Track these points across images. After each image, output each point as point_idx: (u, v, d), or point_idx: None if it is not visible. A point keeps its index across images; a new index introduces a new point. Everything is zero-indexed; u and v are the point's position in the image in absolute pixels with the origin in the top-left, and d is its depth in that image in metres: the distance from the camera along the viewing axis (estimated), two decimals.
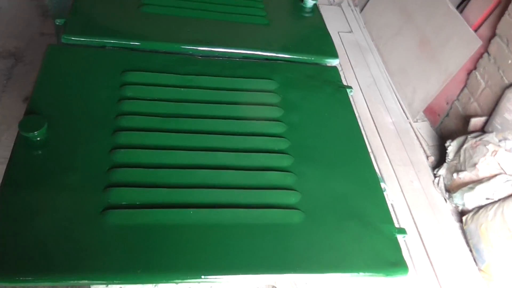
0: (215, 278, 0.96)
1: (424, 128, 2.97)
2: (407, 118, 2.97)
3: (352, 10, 3.79)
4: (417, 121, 2.99)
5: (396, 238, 1.10)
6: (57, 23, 1.43)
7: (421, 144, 2.84)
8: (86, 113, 1.18)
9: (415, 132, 2.90)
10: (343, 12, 3.77)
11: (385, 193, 1.22)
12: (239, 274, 0.97)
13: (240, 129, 1.24)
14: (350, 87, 1.46)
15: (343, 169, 1.22)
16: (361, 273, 1.02)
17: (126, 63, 1.34)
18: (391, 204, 2.38)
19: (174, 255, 0.96)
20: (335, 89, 1.44)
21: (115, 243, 0.96)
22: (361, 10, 3.80)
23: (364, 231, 1.09)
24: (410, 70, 3.08)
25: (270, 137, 1.24)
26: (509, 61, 2.31)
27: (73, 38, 1.37)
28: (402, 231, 1.12)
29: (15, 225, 0.94)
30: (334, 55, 1.57)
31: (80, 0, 1.51)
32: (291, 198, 1.12)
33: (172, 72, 1.34)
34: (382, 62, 3.35)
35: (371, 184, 1.20)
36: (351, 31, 3.59)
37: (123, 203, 1.02)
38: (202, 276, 0.95)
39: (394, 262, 1.05)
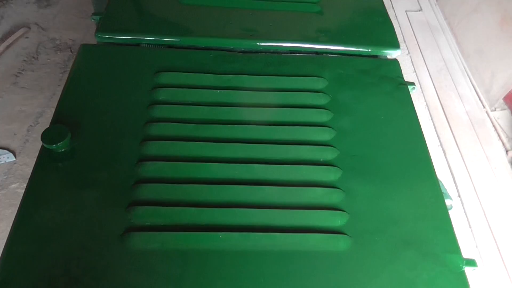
0: None
1: (503, 118, 2.64)
2: (484, 107, 2.65)
3: None
4: (495, 110, 2.66)
5: (463, 271, 0.92)
6: (93, 20, 1.36)
7: (499, 136, 2.53)
8: (114, 120, 1.10)
9: (492, 123, 2.58)
10: None
11: (450, 211, 1.03)
12: None
13: (281, 137, 1.10)
14: (412, 84, 1.26)
15: (400, 184, 1.04)
16: None
17: (160, 62, 1.24)
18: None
19: (198, 285, 0.86)
20: (394, 86, 1.25)
21: (135, 270, 0.87)
22: None
23: (423, 261, 0.92)
24: (488, 51, 2.74)
25: (315, 146, 1.09)
26: None
27: (107, 36, 1.29)
28: (471, 263, 0.93)
29: (31, 245, 0.88)
30: (395, 45, 1.37)
31: None
32: (337, 219, 0.97)
33: (209, 72, 1.22)
34: (455, 44, 3.02)
35: (434, 203, 1.02)
36: (420, 10, 3.27)
37: (147, 224, 0.93)
38: None
39: None
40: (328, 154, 1.08)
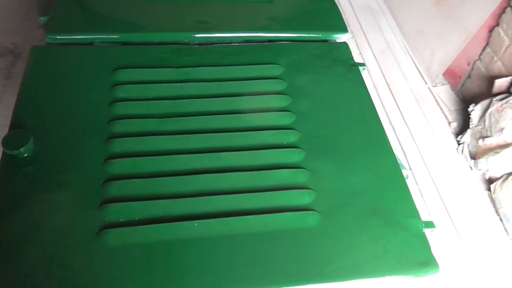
0: None
1: (444, 92, 2.80)
2: (426, 83, 2.80)
3: None
4: (436, 86, 2.83)
5: (423, 233, 1.00)
6: (41, 21, 1.33)
7: (442, 110, 2.69)
8: (76, 121, 1.09)
9: (435, 98, 2.74)
10: None
11: (407, 180, 1.11)
12: None
13: (244, 124, 1.13)
14: (362, 64, 1.33)
15: (360, 160, 1.11)
16: (387, 277, 0.92)
17: (117, 60, 1.23)
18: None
19: (181, 274, 0.88)
20: (346, 68, 1.31)
21: (116, 266, 0.88)
22: None
23: (387, 229, 0.99)
24: (426, 31, 2.89)
25: (277, 130, 1.13)
26: None
27: (58, 37, 1.27)
28: (429, 224, 1.01)
29: (3, 257, 0.86)
30: (343, 29, 1.43)
31: None
32: (305, 197, 1.02)
33: (167, 66, 1.24)
34: (395, 25, 3.16)
35: (392, 174, 1.09)
36: None
37: (121, 220, 0.94)
38: None
39: (423, 261, 0.95)
40: (290, 137, 1.13)
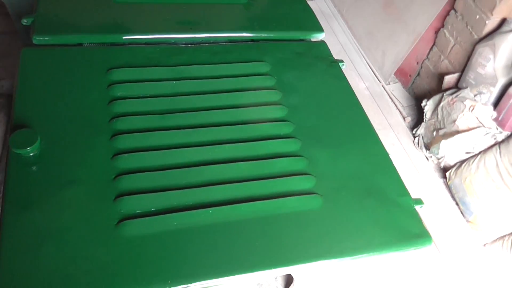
0: (247, 276, 0.93)
1: (396, 90, 3.00)
2: (380, 82, 2.99)
3: None
4: (389, 84, 3.02)
5: (414, 209, 1.10)
6: (24, 23, 1.31)
7: (396, 106, 2.87)
8: (78, 119, 1.10)
9: (389, 95, 2.92)
10: None
11: None
12: (269, 269, 0.95)
13: (242, 118, 1.19)
14: (341, 61, 1.43)
15: (351, 146, 1.20)
16: (389, 251, 1.01)
17: (109, 60, 1.25)
18: None
19: (201, 259, 0.92)
20: (327, 64, 1.41)
21: (137, 255, 0.90)
22: None
23: (383, 207, 1.09)
24: (377, 33, 3.08)
25: (274, 122, 1.20)
26: (477, 17, 2.34)
27: (46, 38, 1.26)
28: (418, 201, 1.12)
29: (26, 253, 0.86)
30: (319, 29, 1.53)
31: None
32: (307, 182, 1.09)
33: (160, 65, 1.27)
34: (347, 28, 3.34)
35: (380, 158, 1.19)
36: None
37: (137, 211, 0.96)
38: (233, 275, 0.92)
39: (417, 234, 1.05)
40: (286, 128, 1.20)
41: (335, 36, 3.23)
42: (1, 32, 2.71)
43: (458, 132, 2.31)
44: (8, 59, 2.58)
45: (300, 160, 1.13)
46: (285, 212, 1.03)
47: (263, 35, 1.46)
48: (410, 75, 2.95)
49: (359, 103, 1.31)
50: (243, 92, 1.26)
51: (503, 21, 2.26)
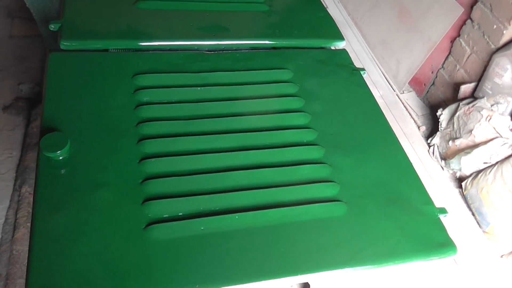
0: (275, 282, 0.93)
1: (411, 99, 3.00)
2: (394, 91, 2.99)
3: None
4: (403, 93, 3.02)
5: (439, 218, 1.10)
6: (52, 28, 1.33)
7: (410, 115, 2.87)
8: (105, 123, 1.12)
9: (403, 104, 2.92)
10: None
11: None
12: (295, 275, 0.95)
13: (266, 124, 1.20)
14: (363, 69, 1.44)
15: (374, 154, 1.20)
16: (413, 260, 1.01)
17: (135, 66, 1.27)
18: None
19: (227, 264, 0.93)
20: (349, 72, 1.41)
21: (165, 259, 0.91)
22: None
23: (407, 215, 1.09)
24: (391, 42, 3.09)
25: (297, 130, 1.21)
26: (494, 26, 2.34)
27: (73, 44, 1.29)
28: (443, 210, 1.12)
29: (56, 254, 0.88)
30: (340, 37, 1.54)
31: (70, 0, 1.41)
32: (331, 190, 1.09)
33: (185, 71, 1.29)
34: (361, 36, 3.35)
35: (404, 166, 1.19)
36: (326, 7, 3.55)
37: (165, 216, 0.97)
38: (262, 280, 0.92)
39: (442, 243, 1.05)
40: (309, 135, 1.20)
41: (349, 44, 3.24)
42: (20, 36, 2.76)
43: (474, 142, 2.30)
44: (26, 63, 2.63)
45: (324, 167, 1.14)
46: (310, 219, 1.03)
47: (285, 42, 1.48)
48: (424, 84, 2.95)
49: (381, 111, 1.32)
50: (266, 99, 1.27)
51: None
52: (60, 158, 1.01)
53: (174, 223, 0.96)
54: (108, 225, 0.94)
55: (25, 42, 2.73)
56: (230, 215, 0.99)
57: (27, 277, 0.84)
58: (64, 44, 1.28)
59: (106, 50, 1.32)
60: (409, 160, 1.20)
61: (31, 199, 1.43)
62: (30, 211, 1.10)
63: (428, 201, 1.13)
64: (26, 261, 0.87)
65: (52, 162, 1.01)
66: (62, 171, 1.00)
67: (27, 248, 0.89)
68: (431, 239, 1.05)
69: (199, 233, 0.96)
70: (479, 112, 2.30)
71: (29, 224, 1.44)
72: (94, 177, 1.01)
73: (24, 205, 1.94)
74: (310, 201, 1.06)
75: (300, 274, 0.95)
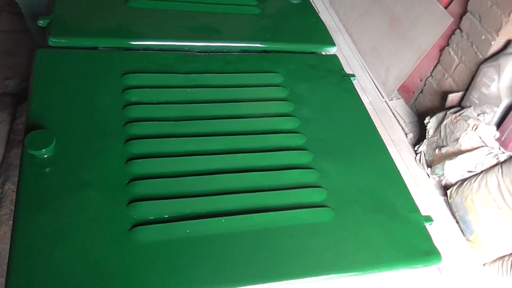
0: (262, 286, 0.92)
1: (399, 106, 3.02)
2: (383, 97, 3.01)
3: None
4: (392, 100, 3.04)
5: (424, 226, 1.11)
6: (40, 24, 1.31)
7: (398, 122, 2.89)
8: (92, 122, 1.10)
9: (391, 111, 2.94)
10: None
11: None
12: (280, 280, 0.94)
13: (255, 128, 1.20)
14: (353, 75, 1.44)
15: (362, 160, 1.20)
16: (398, 267, 1.01)
17: (124, 65, 1.25)
18: None
19: (214, 268, 0.92)
20: (339, 78, 1.41)
21: (149, 261, 0.90)
22: None
23: (393, 222, 1.09)
24: (381, 49, 3.11)
25: (286, 134, 1.21)
26: (483, 37, 2.37)
27: (62, 40, 1.27)
28: (428, 219, 1.12)
29: (38, 253, 0.86)
30: (331, 43, 1.54)
31: None
32: (319, 195, 1.09)
33: (174, 72, 1.28)
34: (352, 43, 3.36)
35: (391, 173, 1.20)
36: (318, 12, 3.56)
37: (151, 217, 0.96)
38: (247, 285, 0.91)
39: (427, 251, 1.06)
40: (298, 140, 1.20)
41: (340, 50, 3.25)
42: (7, 31, 2.72)
43: (460, 150, 2.33)
44: (14, 58, 2.59)
45: (312, 172, 1.13)
46: (297, 224, 1.03)
47: (276, 46, 1.48)
48: (413, 92, 2.97)
49: (370, 118, 1.32)
50: (256, 102, 1.26)
51: (508, 42, 2.30)
52: (45, 156, 1.00)
53: (160, 225, 0.95)
54: (92, 225, 0.92)
55: (13, 37, 2.69)
56: (216, 219, 0.98)
57: (8, 277, 0.82)
58: (53, 41, 1.26)
59: (96, 48, 1.30)
60: (397, 167, 1.21)
61: (14, 196, 1.41)
62: (13, 209, 1.08)
63: (415, 209, 1.13)
64: (7, 260, 0.86)
65: (37, 160, 0.99)
66: (47, 170, 0.98)
67: (8, 247, 0.88)
68: (416, 247, 1.06)
69: (184, 236, 0.95)
70: (466, 121, 2.32)
71: (11, 222, 1.42)
72: (79, 177, 0.99)
73: (6, 203, 1.91)
74: (297, 206, 1.06)
75: (286, 280, 0.95)
